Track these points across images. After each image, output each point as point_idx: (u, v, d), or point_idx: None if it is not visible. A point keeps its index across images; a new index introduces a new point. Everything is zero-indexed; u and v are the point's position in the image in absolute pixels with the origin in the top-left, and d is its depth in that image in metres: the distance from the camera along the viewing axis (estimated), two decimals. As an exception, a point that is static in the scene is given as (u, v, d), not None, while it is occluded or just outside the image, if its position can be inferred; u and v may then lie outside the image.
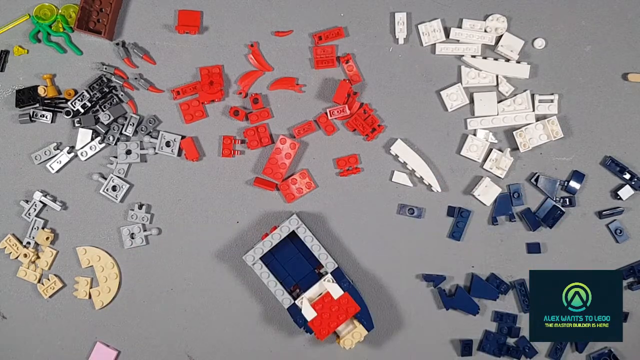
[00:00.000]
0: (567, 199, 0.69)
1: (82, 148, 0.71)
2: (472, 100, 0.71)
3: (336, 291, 0.64)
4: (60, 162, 0.71)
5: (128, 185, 0.71)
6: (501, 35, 0.70)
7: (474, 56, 0.70)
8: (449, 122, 0.71)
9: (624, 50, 0.71)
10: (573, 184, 0.69)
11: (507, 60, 0.70)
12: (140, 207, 0.70)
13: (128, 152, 0.71)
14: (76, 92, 0.71)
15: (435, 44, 0.71)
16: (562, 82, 0.71)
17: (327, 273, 0.66)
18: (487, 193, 0.69)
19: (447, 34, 0.71)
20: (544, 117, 0.70)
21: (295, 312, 0.65)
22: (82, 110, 0.71)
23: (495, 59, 0.70)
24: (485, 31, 0.71)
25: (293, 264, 0.67)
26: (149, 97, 0.72)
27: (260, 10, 0.72)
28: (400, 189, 0.70)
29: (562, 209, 0.69)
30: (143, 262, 0.71)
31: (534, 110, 0.70)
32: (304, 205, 0.70)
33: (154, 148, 0.70)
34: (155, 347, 0.70)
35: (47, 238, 0.70)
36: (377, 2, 0.72)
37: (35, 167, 0.71)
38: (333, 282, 0.64)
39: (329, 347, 0.69)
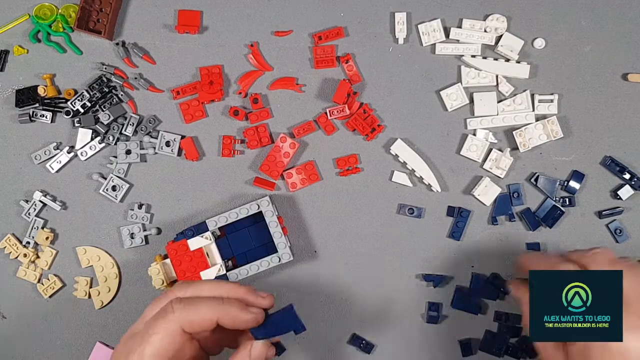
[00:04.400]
0: (567, 199, 0.69)
1: (82, 148, 0.71)
2: (472, 100, 0.71)
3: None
4: (60, 162, 0.71)
5: (128, 185, 0.71)
6: (501, 35, 0.71)
7: (473, 56, 0.70)
8: (449, 122, 0.71)
9: (624, 50, 0.71)
10: (573, 183, 0.69)
11: (507, 60, 0.70)
12: (140, 207, 0.70)
13: (128, 152, 0.71)
14: (76, 92, 0.71)
15: (435, 43, 0.71)
16: (562, 82, 0.71)
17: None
18: (487, 193, 0.69)
19: (447, 34, 0.71)
20: (544, 117, 0.70)
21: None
22: (82, 110, 0.71)
23: (495, 59, 0.70)
24: (485, 31, 0.71)
25: (238, 237, 0.68)
26: (149, 97, 0.72)
27: (260, 10, 0.72)
28: (400, 189, 0.70)
29: (562, 208, 0.69)
30: (143, 262, 0.70)
31: (533, 110, 0.70)
32: (303, 204, 0.70)
33: (154, 148, 0.70)
34: (155, 347, 0.70)
35: (47, 238, 0.70)
36: (377, 2, 0.72)
37: (35, 167, 0.71)
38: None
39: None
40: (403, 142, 0.70)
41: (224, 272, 0.66)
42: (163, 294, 0.53)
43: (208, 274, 0.66)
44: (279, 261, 0.66)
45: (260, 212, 0.66)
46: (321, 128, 0.71)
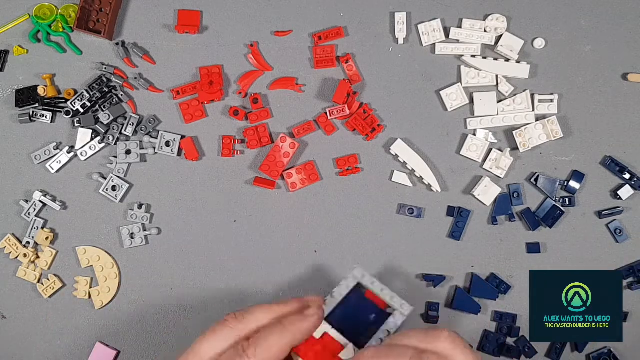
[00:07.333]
0: (567, 199, 0.69)
1: (81, 148, 0.71)
2: (472, 100, 0.71)
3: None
4: (60, 162, 0.71)
5: (128, 185, 0.71)
6: (501, 35, 0.71)
7: (473, 56, 0.70)
8: (449, 122, 0.71)
9: (624, 50, 0.71)
10: (573, 183, 0.69)
11: (507, 60, 0.70)
12: (140, 207, 0.70)
13: (128, 152, 0.71)
14: (76, 92, 0.71)
15: (435, 43, 0.71)
16: (562, 82, 0.71)
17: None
18: (487, 193, 0.69)
19: (447, 34, 0.71)
20: (544, 117, 0.70)
21: None
22: (81, 110, 0.71)
23: (495, 59, 0.70)
24: (485, 31, 0.71)
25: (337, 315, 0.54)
26: (149, 97, 0.72)
27: (260, 10, 0.72)
28: (400, 189, 0.70)
29: (562, 208, 0.69)
30: (143, 262, 0.71)
31: (533, 110, 0.70)
32: (303, 204, 0.70)
33: (154, 148, 0.70)
34: (155, 347, 0.70)
35: (47, 238, 0.70)
36: (377, 2, 0.72)
37: (35, 166, 0.71)
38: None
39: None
40: (403, 142, 0.70)
41: (355, 350, 0.51)
42: (218, 325, 0.49)
43: (346, 354, 0.51)
44: (403, 315, 0.53)
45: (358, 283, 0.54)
46: (321, 128, 0.71)
